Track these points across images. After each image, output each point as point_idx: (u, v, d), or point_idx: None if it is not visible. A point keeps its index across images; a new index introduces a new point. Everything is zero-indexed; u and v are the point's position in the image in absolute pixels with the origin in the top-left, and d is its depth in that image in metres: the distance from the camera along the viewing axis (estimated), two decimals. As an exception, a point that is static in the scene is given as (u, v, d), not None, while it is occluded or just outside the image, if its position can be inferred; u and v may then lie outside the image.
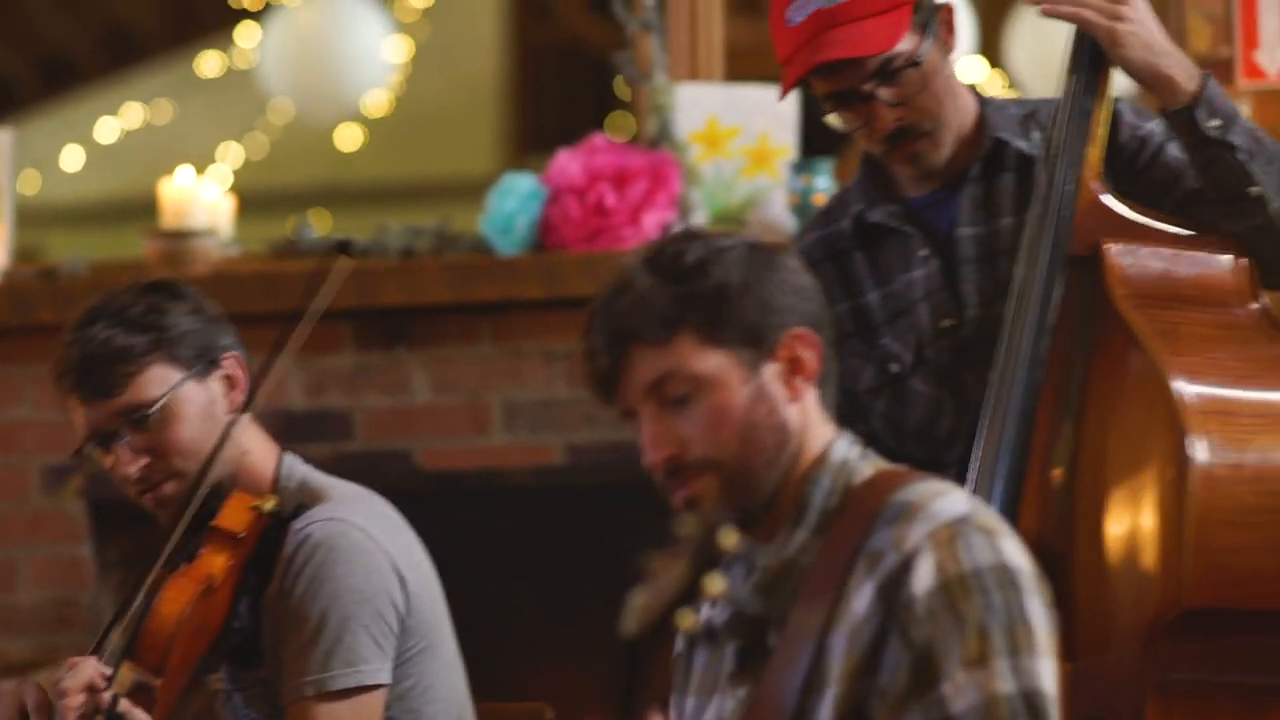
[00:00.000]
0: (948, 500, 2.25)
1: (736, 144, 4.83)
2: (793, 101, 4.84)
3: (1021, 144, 3.11)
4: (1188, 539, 2.76)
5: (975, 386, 3.01)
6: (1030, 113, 3.16)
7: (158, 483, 3.04)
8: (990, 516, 2.27)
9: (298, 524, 3.01)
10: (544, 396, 4.71)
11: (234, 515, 3.00)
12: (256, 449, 3.12)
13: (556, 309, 4.65)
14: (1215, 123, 2.91)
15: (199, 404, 3.05)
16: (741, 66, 5.53)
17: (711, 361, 2.28)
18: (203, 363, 3.07)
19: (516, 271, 4.69)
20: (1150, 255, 2.96)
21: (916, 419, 3.13)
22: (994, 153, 3.11)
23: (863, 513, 2.27)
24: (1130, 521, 2.85)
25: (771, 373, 2.31)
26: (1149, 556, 2.81)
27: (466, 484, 4.74)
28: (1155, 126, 3.10)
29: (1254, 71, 4.37)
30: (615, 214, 4.65)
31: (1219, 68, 4.10)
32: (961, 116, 3.10)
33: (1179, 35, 4.15)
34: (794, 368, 2.32)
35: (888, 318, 3.17)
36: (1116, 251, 2.94)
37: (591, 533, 4.72)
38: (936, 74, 3.06)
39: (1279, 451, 2.84)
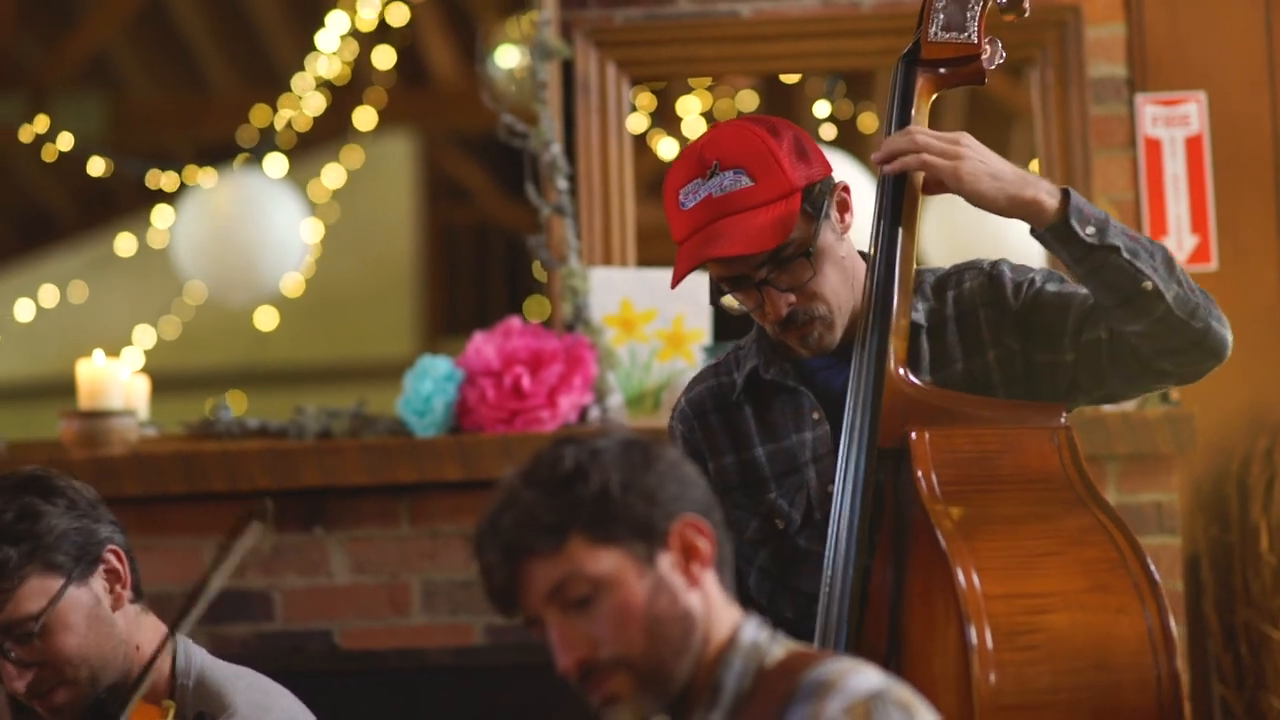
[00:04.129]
0: (861, 676, 2.27)
1: (651, 327, 4.88)
2: (705, 285, 4.90)
3: (913, 315, 3.08)
4: None
5: None
6: (917, 283, 3.14)
7: (47, 691, 2.93)
8: (905, 691, 2.29)
9: None
10: (463, 577, 4.69)
11: None
12: (147, 641, 3.01)
13: (474, 490, 4.65)
14: (1091, 229, 2.91)
15: (84, 608, 2.93)
16: (653, 249, 5.59)
17: (605, 561, 2.30)
18: (83, 564, 2.93)
19: (434, 453, 4.68)
20: (958, 439, 2.93)
21: (799, 575, 3.11)
22: None
23: (776, 693, 2.29)
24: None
25: (667, 563, 2.33)
26: None
27: (386, 664, 4.71)
28: (1036, 275, 3.11)
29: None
30: (532, 396, 4.67)
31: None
32: (857, 294, 3.08)
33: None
34: (689, 554, 2.34)
35: (776, 474, 3.15)
36: (923, 441, 2.92)
37: (512, 713, 4.70)
38: (829, 257, 3.05)
39: (1073, 628, 2.78)
